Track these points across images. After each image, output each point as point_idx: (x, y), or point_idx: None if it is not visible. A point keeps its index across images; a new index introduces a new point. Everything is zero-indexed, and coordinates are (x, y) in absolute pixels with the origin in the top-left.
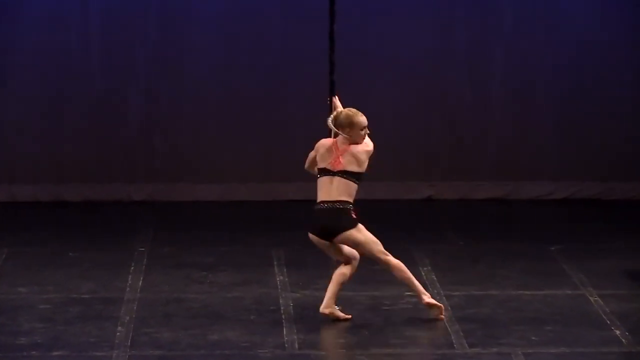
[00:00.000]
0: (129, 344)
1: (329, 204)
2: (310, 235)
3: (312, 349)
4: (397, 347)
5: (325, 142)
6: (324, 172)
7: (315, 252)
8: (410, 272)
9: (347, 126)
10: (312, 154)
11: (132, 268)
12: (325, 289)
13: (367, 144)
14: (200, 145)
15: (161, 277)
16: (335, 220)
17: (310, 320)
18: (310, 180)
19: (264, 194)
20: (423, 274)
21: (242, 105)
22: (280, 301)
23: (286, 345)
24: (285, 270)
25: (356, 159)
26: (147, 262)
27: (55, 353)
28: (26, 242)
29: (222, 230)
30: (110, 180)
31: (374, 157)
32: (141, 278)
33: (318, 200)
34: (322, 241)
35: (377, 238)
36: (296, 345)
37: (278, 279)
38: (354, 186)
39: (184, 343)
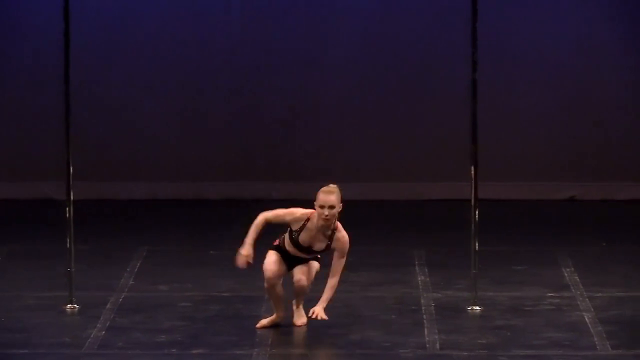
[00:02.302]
0: (269, 342)
1: None
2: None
3: (453, 349)
4: (539, 348)
5: None
6: None
7: (456, 252)
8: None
9: None
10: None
11: None
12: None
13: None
14: (341, 144)
15: None
16: None
17: (452, 320)
18: (451, 180)
19: (404, 194)
20: (566, 274)
21: (383, 103)
22: (422, 301)
23: (427, 346)
24: (426, 270)
25: None
26: None
27: (195, 351)
28: (167, 240)
29: (362, 230)
30: (250, 178)
31: (513, 158)
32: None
33: None
34: None
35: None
36: (437, 346)
37: (419, 278)
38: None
39: (325, 342)
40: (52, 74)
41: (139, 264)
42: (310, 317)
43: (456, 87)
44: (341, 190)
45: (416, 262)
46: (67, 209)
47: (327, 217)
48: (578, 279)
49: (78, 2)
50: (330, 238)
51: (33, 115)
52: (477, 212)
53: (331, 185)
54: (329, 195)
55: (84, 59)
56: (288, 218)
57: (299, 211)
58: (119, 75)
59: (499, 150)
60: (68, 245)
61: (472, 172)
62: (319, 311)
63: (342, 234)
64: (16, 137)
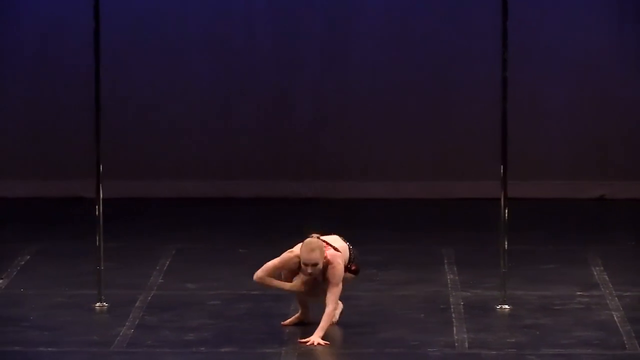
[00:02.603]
0: (298, 340)
1: None
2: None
3: (482, 348)
4: (568, 347)
5: None
6: None
7: (486, 251)
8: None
9: None
10: None
11: None
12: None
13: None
14: (368, 142)
15: None
16: None
17: (481, 319)
18: (479, 179)
19: (432, 192)
20: (595, 273)
21: (411, 102)
22: (451, 300)
23: (456, 344)
24: (455, 268)
25: None
26: None
27: (223, 349)
28: (195, 239)
29: (391, 228)
30: (278, 177)
31: (542, 156)
32: None
33: None
34: None
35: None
36: (466, 345)
37: (448, 277)
38: None
39: (353, 341)
40: (81, 73)
41: (168, 262)
42: (307, 344)
43: (483, 85)
44: (324, 242)
45: (445, 261)
46: (97, 207)
47: (311, 274)
48: (607, 278)
49: (106, 1)
50: (324, 273)
51: (62, 113)
52: (506, 210)
53: (313, 241)
54: (311, 253)
55: (112, 58)
56: (291, 265)
57: (292, 254)
58: (147, 74)
59: (528, 149)
60: (97, 243)
61: (502, 170)
62: (314, 339)
63: (333, 266)
64: (46, 135)
